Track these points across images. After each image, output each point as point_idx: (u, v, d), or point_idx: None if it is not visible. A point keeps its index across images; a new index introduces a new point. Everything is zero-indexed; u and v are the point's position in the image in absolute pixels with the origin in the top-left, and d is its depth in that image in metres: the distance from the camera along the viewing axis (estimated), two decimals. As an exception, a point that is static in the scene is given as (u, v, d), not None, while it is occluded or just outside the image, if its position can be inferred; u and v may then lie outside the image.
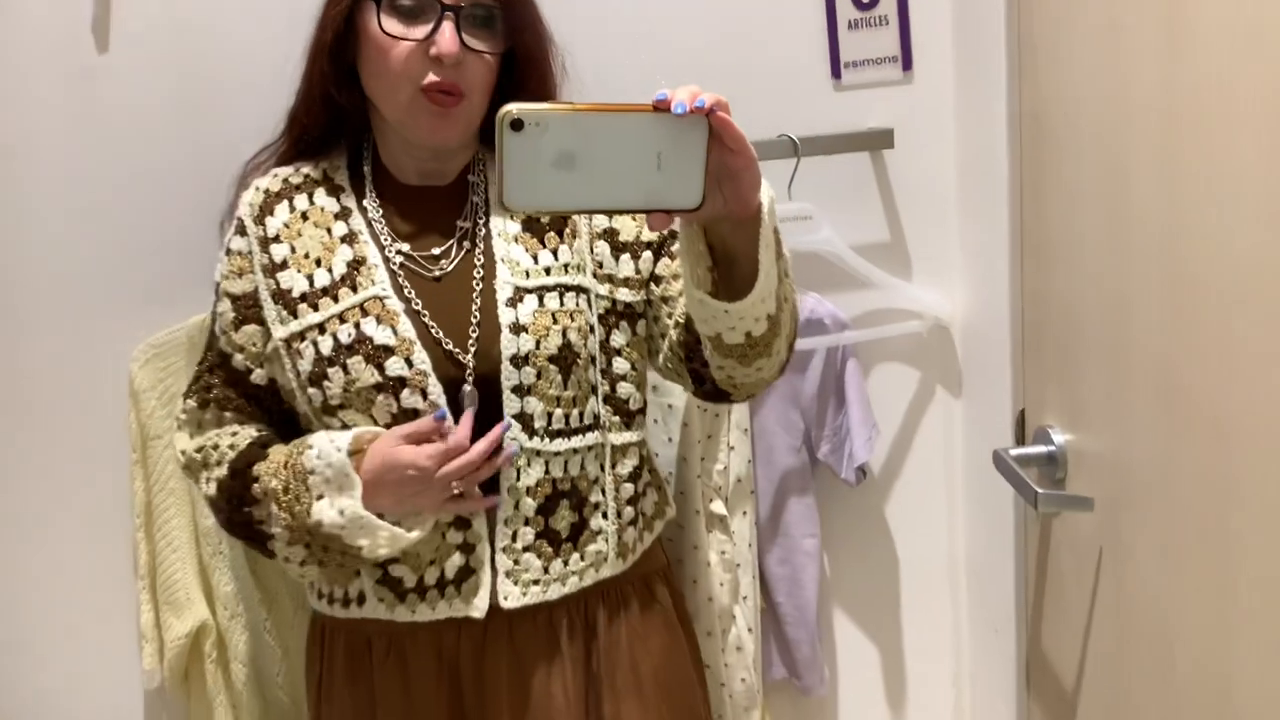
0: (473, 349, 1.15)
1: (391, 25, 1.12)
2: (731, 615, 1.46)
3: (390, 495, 1.11)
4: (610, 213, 1.17)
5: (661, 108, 0.87)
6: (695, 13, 1.51)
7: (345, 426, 1.15)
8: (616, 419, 1.21)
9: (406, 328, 1.15)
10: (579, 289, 1.19)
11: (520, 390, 1.15)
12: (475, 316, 1.16)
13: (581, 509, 1.19)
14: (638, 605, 1.25)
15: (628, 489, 1.23)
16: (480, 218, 1.21)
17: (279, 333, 1.18)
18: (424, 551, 1.15)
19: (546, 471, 1.16)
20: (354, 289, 1.16)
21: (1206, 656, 1.05)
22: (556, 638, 1.20)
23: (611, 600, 1.23)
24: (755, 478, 1.53)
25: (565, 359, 1.16)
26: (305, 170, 1.23)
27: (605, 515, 1.21)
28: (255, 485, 1.15)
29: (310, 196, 1.21)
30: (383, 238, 1.19)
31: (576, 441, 1.18)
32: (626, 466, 1.23)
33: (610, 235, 1.21)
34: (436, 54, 1.11)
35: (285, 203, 1.21)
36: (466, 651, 1.18)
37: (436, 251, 1.19)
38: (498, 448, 1.13)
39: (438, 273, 1.19)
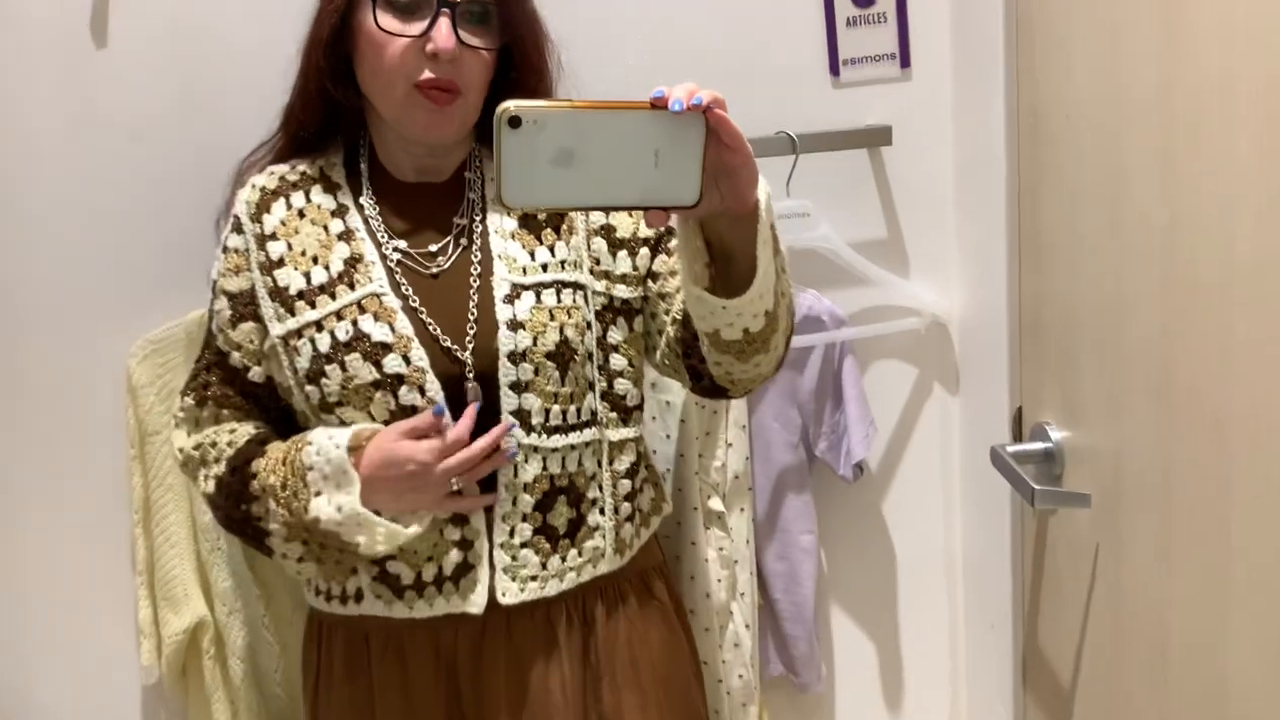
0: (470, 346, 1.15)
1: (387, 21, 1.12)
2: (729, 612, 1.46)
3: (389, 491, 1.11)
4: (608, 210, 1.17)
5: (659, 105, 0.88)
6: (694, 9, 1.51)
7: (343, 424, 1.15)
8: (614, 415, 1.21)
9: (404, 325, 1.15)
10: (576, 285, 1.19)
11: (518, 386, 1.15)
12: (473, 313, 1.16)
13: (579, 505, 1.19)
14: (635, 601, 1.25)
15: (625, 485, 1.23)
16: (477, 214, 1.21)
17: (276, 330, 1.18)
18: (421, 548, 1.16)
19: (544, 468, 1.17)
20: (351, 286, 1.16)
21: (1202, 653, 1.05)
22: (554, 633, 1.20)
23: (609, 596, 1.23)
24: (753, 474, 1.53)
25: (563, 355, 1.16)
26: (302, 167, 1.23)
27: (603, 511, 1.21)
28: (253, 482, 1.15)
29: (307, 194, 1.21)
30: (380, 235, 1.19)
31: (574, 438, 1.18)
32: (624, 462, 1.23)
33: (607, 232, 1.21)
34: (433, 50, 1.11)
35: (282, 200, 1.21)
36: (464, 648, 1.19)
37: (433, 248, 1.19)
38: (496, 447, 1.13)
39: (435, 270, 1.19)
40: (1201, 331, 1.01)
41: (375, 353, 1.14)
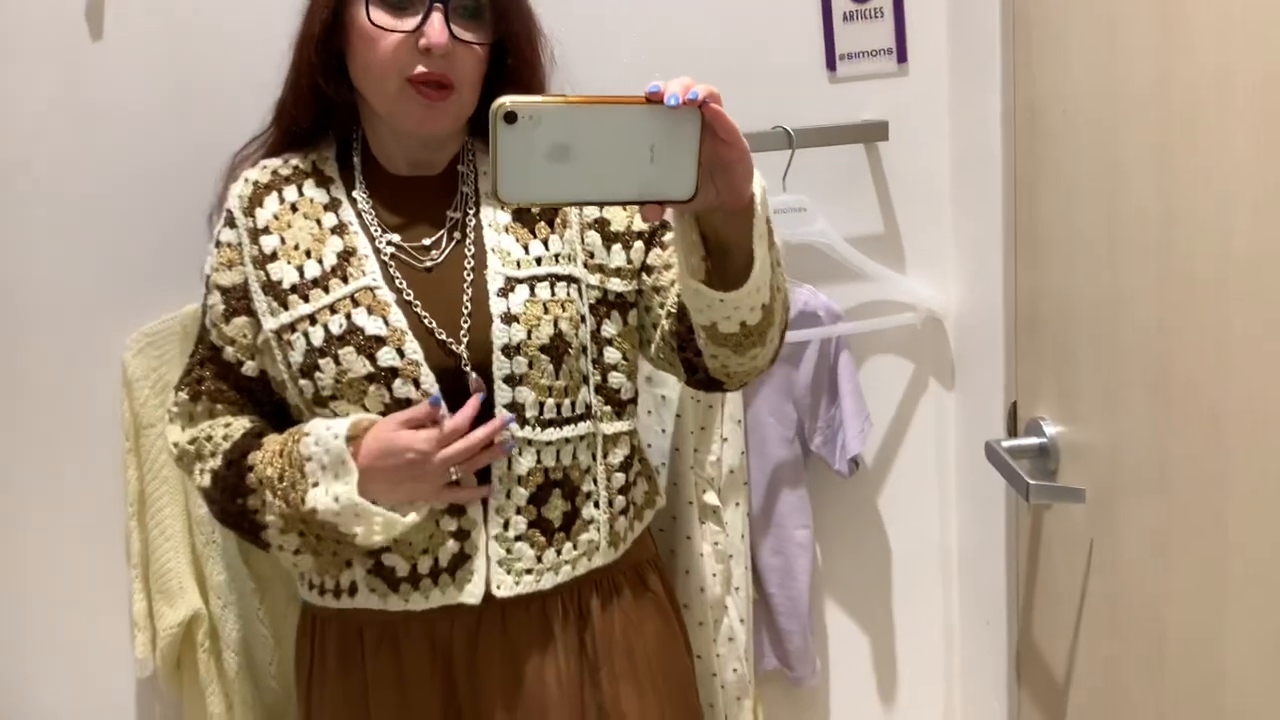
0: (465, 339, 1.15)
1: (380, 17, 1.12)
2: (724, 606, 1.47)
3: (387, 481, 1.11)
4: (604, 205, 1.18)
5: (654, 100, 0.88)
6: (690, 4, 1.50)
7: (338, 416, 1.15)
8: (608, 409, 1.21)
9: (398, 318, 1.15)
10: (570, 279, 1.19)
11: (512, 380, 1.15)
12: (467, 307, 1.16)
13: (574, 498, 1.19)
14: (630, 593, 1.25)
15: (619, 478, 1.23)
16: (470, 208, 1.21)
17: (269, 324, 1.17)
18: (417, 540, 1.16)
19: (538, 461, 1.17)
20: (344, 280, 1.16)
21: (1198, 648, 1.06)
22: (550, 626, 1.20)
23: (604, 589, 1.23)
24: (748, 469, 1.53)
25: (557, 349, 1.16)
26: (294, 162, 1.23)
27: (597, 505, 1.21)
28: (250, 474, 1.15)
29: (299, 188, 1.21)
30: (373, 228, 1.19)
31: (568, 431, 1.18)
32: (618, 456, 1.23)
33: (601, 225, 1.21)
34: (425, 46, 1.11)
35: (274, 194, 1.21)
36: (460, 641, 1.19)
37: (427, 242, 1.19)
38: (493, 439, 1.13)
39: (428, 263, 1.19)
40: (1197, 326, 1.02)
41: (369, 346, 1.14)
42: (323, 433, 1.12)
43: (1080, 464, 1.26)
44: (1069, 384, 1.28)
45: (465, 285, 1.17)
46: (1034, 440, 1.33)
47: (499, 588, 1.16)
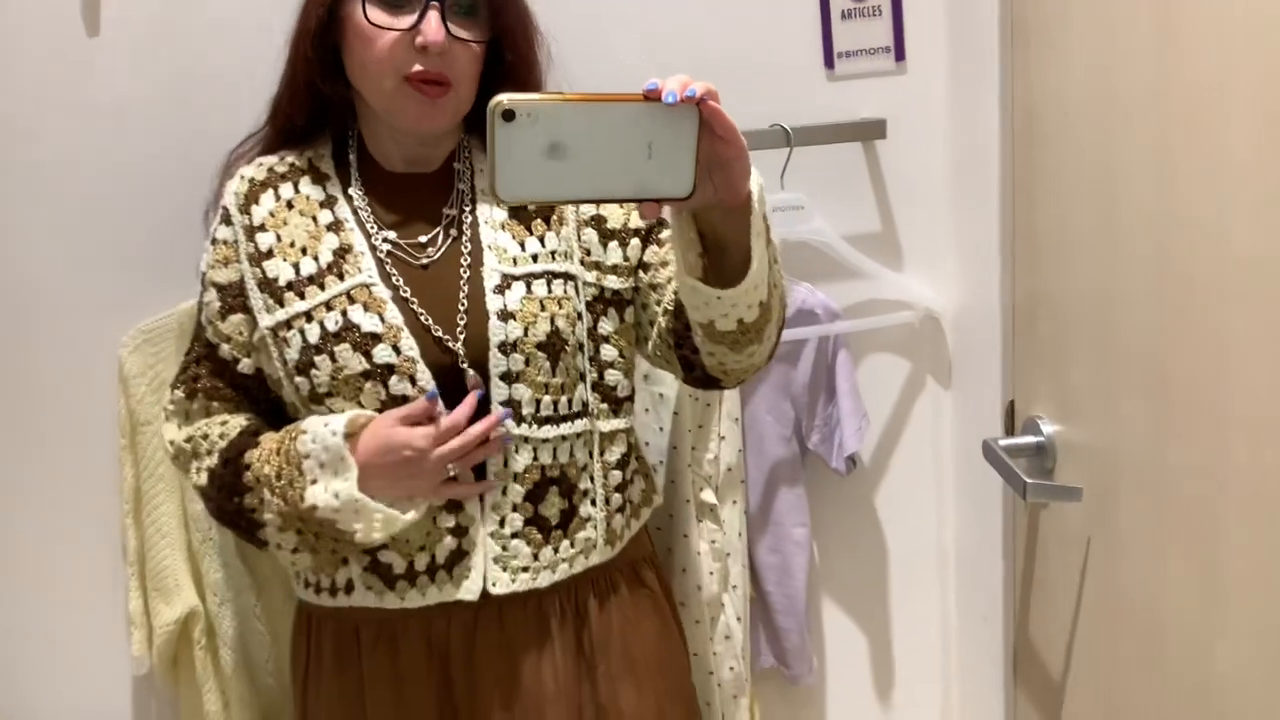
0: (461, 336, 1.15)
1: (376, 15, 1.12)
2: (720, 604, 1.47)
3: (385, 477, 1.11)
4: (601, 202, 1.17)
5: (652, 97, 0.87)
6: (688, 2, 1.50)
7: (333, 414, 1.15)
8: (605, 406, 1.21)
9: (394, 315, 1.15)
10: (566, 276, 1.19)
11: (508, 377, 1.15)
12: (463, 304, 1.16)
13: (571, 496, 1.19)
14: (627, 591, 1.25)
15: (616, 476, 1.23)
16: (467, 205, 1.21)
17: (265, 321, 1.17)
18: (414, 537, 1.15)
19: (535, 458, 1.17)
20: (340, 277, 1.16)
21: (1193, 646, 1.06)
22: (547, 624, 1.20)
23: (601, 587, 1.23)
24: (746, 467, 1.53)
25: (553, 346, 1.16)
26: (290, 159, 1.23)
27: (594, 502, 1.21)
28: (247, 473, 1.15)
29: (296, 185, 1.21)
30: (369, 225, 1.19)
31: (565, 428, 1.18)
32: (614, 454, 1.23)
33: (598, 223, 1.21)
34: (422, 44, 1.11)
35: (271, 191, 1.21)
36: (456, 639, 1.19)
37: (423, 239, 1.19)
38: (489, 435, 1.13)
39: (425, 260, 1.18)
40: (1194, 327, 1.02)
41: (365, 343, 1.14)
42: (320, 430, 1.12)
43: (1077, 463, 1.26)
44: (1066, 383, 1.28)
45: (462, 282, 1.17)
46: (1031, 439, 1.33)
47: (495, 585, 1.16)
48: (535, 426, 1.16)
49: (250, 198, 1.21)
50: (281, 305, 1.17)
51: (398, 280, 1.17)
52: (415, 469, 1.11)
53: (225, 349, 1.21)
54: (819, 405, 1.57)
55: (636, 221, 1.22)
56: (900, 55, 1.56)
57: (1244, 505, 0.97)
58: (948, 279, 1.61)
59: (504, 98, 0.86)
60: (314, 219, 1.19)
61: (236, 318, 1.20)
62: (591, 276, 1.20)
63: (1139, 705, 1.16)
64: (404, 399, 1.13)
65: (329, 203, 1.20)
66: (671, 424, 1.46)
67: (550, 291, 1.17)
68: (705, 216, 1.00)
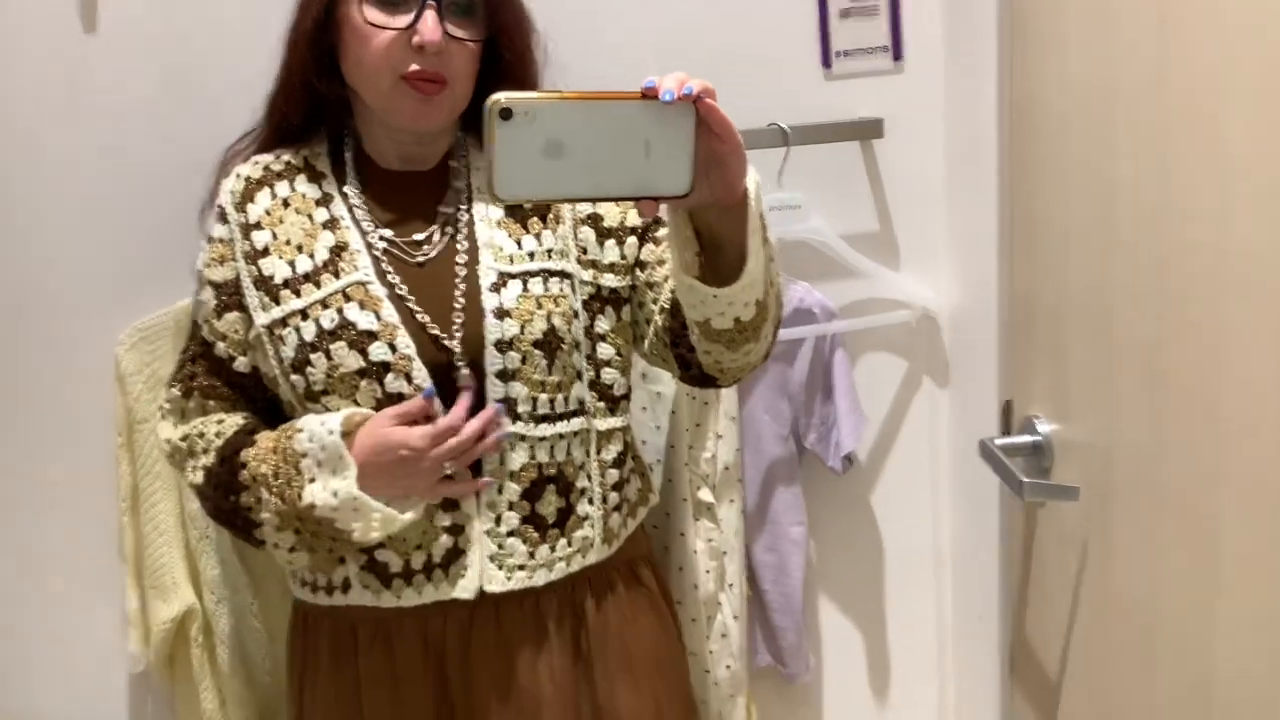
0: (457, 334, 1.15)
1: (373, 14, 1.12)
2: (717, 602, 1.47)
3: (382, 477, 1.11)
4: (599, 200, 1.17)
5: (649, 95, 0.88)
6: (686, 1, 1.50)
7: (329, 412, 1.15)
8: (601, 404, 1.21)
9: (390, 313, 1.15)
10: (563, 274, 1.19)
11: (505, 375, 1.15)
12: (459, 301, 1.16)
13: (568, 495, 1.19)
14: (624, 589, 1.25)
15: (613, 474, 1.23)
16: (463, 203, 1.21)
17: (261, 319, 1.17)
18: (410, 536, 1.15)
19: (532, 456, 1.17)
20: (336, 275, 1.16)
21: (1189, 645, 1.06)
22: (544, 623, 1.20)
23: (598, 585, 1.23)
24: (743, 466, 1.53)
25: (550, 344, 1.16)
26: (286, 157, 1.23)
27: (591, 501, 1.21)
28: (243, 471, 1.15)
29: (292, 183, 1.21)
30: (364, 223, 1.19)
31: (562, 427, 1.18)
32: (611, 452, 1.23)
33: (594, 221, 1.21)
34: (419, 43, 1.11)
35: (266, 190, 1.21)
36: (453, 638, 1.18)
37: (419, 237, 1.19)
38: (485, 431, 1.13)
39: (421, 258, 1.18)
40: (1192, 325, 1.02)
41: (361, 340, 1.13)
42: (317, 428, 1.12)
43: (1074, 462, 1.26)
44: (1063, 382, 1.28)
45: (458, 280, 1.17)
46: (1028, 438, 1.34)
47: (491, 583, 1.16)
48: (532, 425, 1.16)
49: (246, 196, 1.21)
50: (277, 303, 1.17)
51: (394, 278, 1.17)
52: (412, 468, 1.10)
53: (221, 347, 1.20)
54: (816, 404, 1.58)
55: (633, 220, 1.22)
56: (898, 54, 1.56)
57: (1241, 504, 0.97)
58: (945, 278, 1.61)
59: (501, 96, 0.86)
60: (310, 217, 1.19)
61: (232, 316, 1.20)
62: (588, 275, 1.20)
63: (1135, 704, 1.16)
64: (400, 397, 1.13)
65: (325, 201, 1.20)
66: (669, 422, 1.46)
67: (547, 289, 1.17)
68: (702, 215, 1.00)
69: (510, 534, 1.17)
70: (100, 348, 1.41)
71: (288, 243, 1.18)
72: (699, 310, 1.06)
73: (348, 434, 1.11)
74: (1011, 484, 1.25)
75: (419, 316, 1.15)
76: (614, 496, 1.23)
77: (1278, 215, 0.90)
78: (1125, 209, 1.11)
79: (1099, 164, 1.16)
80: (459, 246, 1.19)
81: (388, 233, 1.19)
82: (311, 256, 1.17)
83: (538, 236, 1.19)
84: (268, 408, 1.23)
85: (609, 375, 1.22)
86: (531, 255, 1.18)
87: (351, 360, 1.13)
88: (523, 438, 1.16)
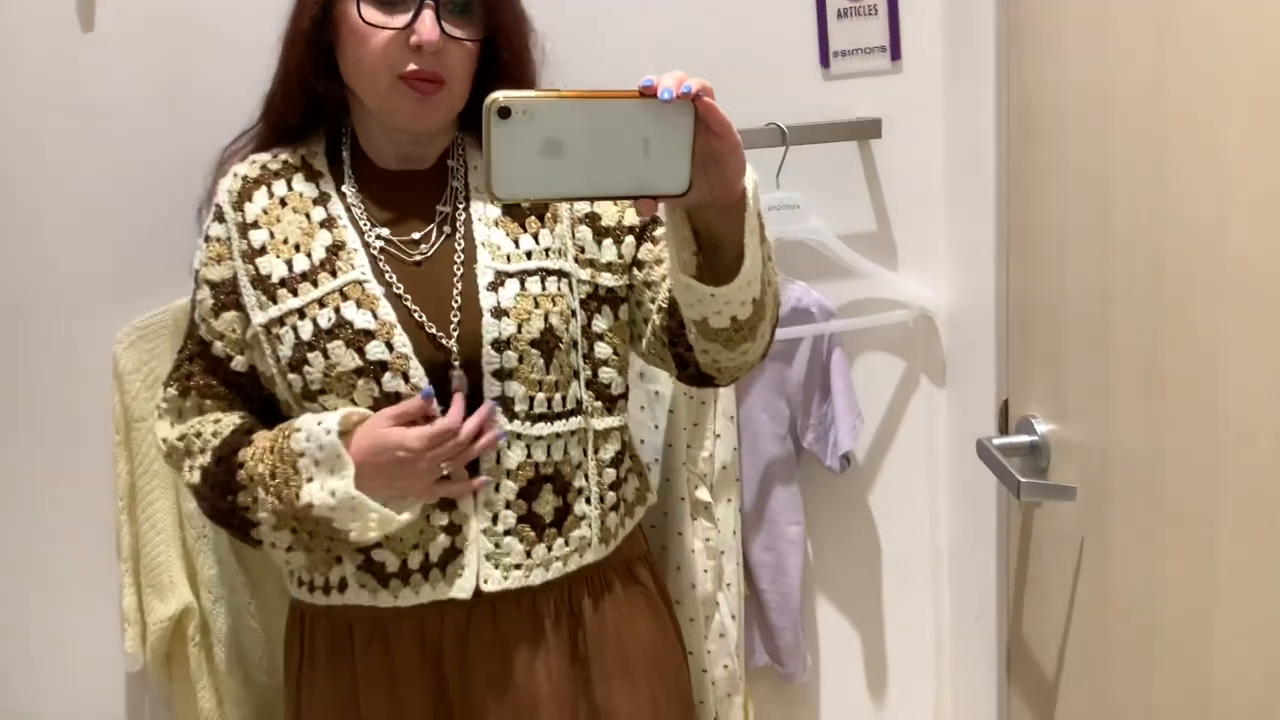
0: (455, 333, 1.15)
1: (371, 14, 1.12)
2: (715, 602, 1.47)
3: (379, 478, 1.11)
4: (597, 199, 1.17)
5: (648, 93, 0.88)
6: (684, 1, 1.50)
7: (326, 411, 1.15)
8: (598, 404, 1.21)
9: (387, 311, 1.15)
10: (560, 273, 1.19)
11: (501, 374, 1.15)
12: (456, 300, 1.16)
13: (565, 494, 1.19)
14: (621, 588, 1.25)
15: (610, 474, 1.23)
16: (460, 202, 1.21)
17: (258, 319, 1.17)
18: (407, 535, 1.15)
19: (528, 455, 1.17)
20: (333, 274, 1.16)
21: (1186, 646, 1.06)
22: (541, 622, 1.20)
23: (595, 585, 1.23)
24: (741, 465, 1.53)
25: (547, 343, 1.16)
26: (284, 156, 1.23)
27: (588, 500, 1.21)
28: (240, 471, 1.15)
29: (289, 182, 1.21)
30: (362, 223, 1.19)
31: (559, 426, 1.18)
32: (609, 451, 1.23)
33: (592, 220, 1.21)
34: (417, 43, 1.11)
35: (264, 189, 1.21)
36: (450, 637, 1.18)
37: (416, 236, 1.19)
38: (481, 430, 1.13)
39: (418, 257, 1.18)
40: (1189, 326, 1.02)
41: (358, 339, 1.13)
42: (314, 428, 1.12)
43: (1071, 462, 1.26)
44: (1061, 382, 1.28)
45: (455, 279, 1.17)
46: (1025, 438, 1.34)
47: (487, 582, 1.16)
48: (529, 424, 1.16)
49: (243, 195, 1.21)
50: (274, 302, 1.17)
51: (391, 277, 1.17)
52: (409, 469, 1.10)
53: (218, 346, 1.20)
54: (814, 404, 1.58)
55: (631, 219, 1.22)
56: (896, 55, 1.56)
57: (1238, 505, 0.97)
58: (943, 278, 1.61)
59: (500, 95, 0.86)
60: (307, 216, 1.19)
61: (229, 315, 1.20)
62: (586, 274, 1.20)
63: (1132, 704, 1.16)
64: (397, 396, 1.13)
65: (322, 200, 1.20)
66: (667, 422, 1.46)
67: (544, 289, 1.17)
68: (700, 214, 1.00)
69: (507, 533, 1.17)
70: (98, 346, 1.41)
71: (285, 242, 1.18)
72: (696, 309, 1.06)
73: (345, 433, 1.11)
74: (1009, 484, 1.25)
75: (416, 315, 1.15)
76: (611, 496, 1.23)
77: (1273, 220, 0.90)
78: (1123, 209, 1.11)
79: (1096, 166, 1.16)
80: (456, 246, 1.19)
81: (385, 232, 1.19)
82: (309, 255, 1.17)
83: (535, 236, 1.19)
84: (265, 407, 1.23)
85: (606, 374, 1.22)
86: (529, 254, 1.18)
87: (349, 359, 1.13)
88: (519, 436, 1.16)
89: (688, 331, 1.12)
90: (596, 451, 1.22)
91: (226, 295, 1.19)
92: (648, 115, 0.88)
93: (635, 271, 1.22)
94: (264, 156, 1.23)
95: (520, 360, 1.15)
